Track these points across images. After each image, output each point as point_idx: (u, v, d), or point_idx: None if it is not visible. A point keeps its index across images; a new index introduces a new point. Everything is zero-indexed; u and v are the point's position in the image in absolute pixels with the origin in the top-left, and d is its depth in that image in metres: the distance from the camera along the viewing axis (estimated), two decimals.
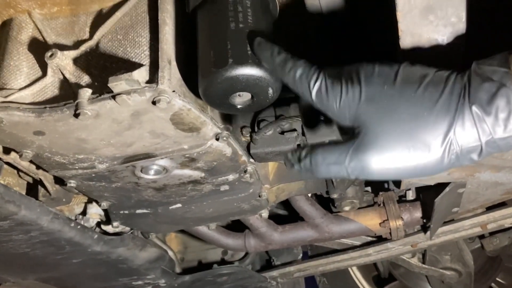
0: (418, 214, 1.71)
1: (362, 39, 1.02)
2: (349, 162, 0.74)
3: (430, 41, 0.79)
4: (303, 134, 1.18)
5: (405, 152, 0.71)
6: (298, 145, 1.18)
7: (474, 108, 0.66)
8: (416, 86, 0.71)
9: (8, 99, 0.91)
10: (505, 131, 0.66)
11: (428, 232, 1.71)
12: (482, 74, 0.68)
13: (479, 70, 0.69)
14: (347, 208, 1.68)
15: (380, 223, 1.72)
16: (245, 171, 1.21)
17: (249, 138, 1.19)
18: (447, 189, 1.35)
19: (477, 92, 0.67)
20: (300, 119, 1.17)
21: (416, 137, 0.70)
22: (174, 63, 0.90)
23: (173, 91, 0.87)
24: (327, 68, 0.78)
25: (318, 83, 0.76)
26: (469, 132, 0.67)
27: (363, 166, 0.73)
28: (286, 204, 1.78)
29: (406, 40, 0.79)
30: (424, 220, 1.69)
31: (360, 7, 0.96)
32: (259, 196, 1.34)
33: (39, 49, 0.97)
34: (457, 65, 0.77)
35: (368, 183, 1.77)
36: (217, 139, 1.03)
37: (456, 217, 1.77)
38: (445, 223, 1.76)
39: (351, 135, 0.75)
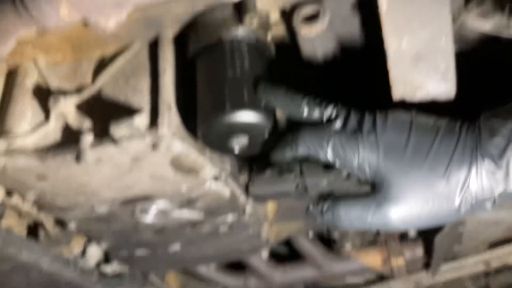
0: (420, 252, 1.70)
1: (360, 83, 1.05)
2: (372, 218, 0.77)
3: (422, 87, 0.81)
4: (301, 173, 1.19)
5: (426, 204, 0.74)
6: (297, 185, 1.19)
7: (486, 162, 0.70)
8: (431, 140, 0.75)
9: (12, 144, 0.93)
10: None
11: (431, 270, 1.69)
12: (491, 128, 0.72)
13: (488, 123, 0.73)
14: (348, 247, 1.68)
15: (381, 261, 1.71)
16: (244, 211, 1.22)
17: (247, 178, 1.21)
18: (447, 227, 1.36)
19: (488, 147, 0.71)
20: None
21: (436, 190, 0.73)
22: (174, 108, 0.93)
23: (173, 135, 0.89)
24: (338, 117, 0.81)
25: (332, 141, 0.79)
26: (483, 184, 0.71)
27: (386, 222, 0.77)
28: (287, 242, 1.77)
29: (398, 87, 0.82)
30: (426, 258, 1.68)
31: (356, 55, 0.99)
32: (259, 236, 1.34)
33: (43, 95, 1.00)
34: (449, 110, 0.79)
35: None
36: (216, 180, 1.05)
37: (458, 255, 1.76)
38: (448, 260, 1.75)
39: (370, 188, 0.79)
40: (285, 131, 1.00)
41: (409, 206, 0.75)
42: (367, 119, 0.78)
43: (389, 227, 0.77)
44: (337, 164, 0.79)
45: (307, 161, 1.04)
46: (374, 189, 0.78)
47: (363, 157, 0.76)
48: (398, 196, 0.75)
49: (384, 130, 0.76)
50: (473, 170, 0.71)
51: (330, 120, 0.82)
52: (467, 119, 0.77)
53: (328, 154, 0.79)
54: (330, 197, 0.83)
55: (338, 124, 0.80)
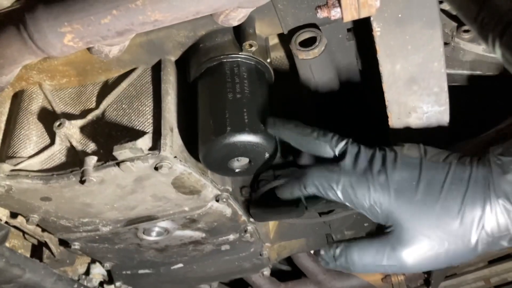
0: None
1: (357, 105, 1.07)
2: (387, 261, 0.75)
3: (416, 109, 0.83)
4: None
5: (441, 246, 0.72)
6: (297, 204, 1.20)
7: (500, 201, 0.69)
8: (442, 178, 0.73)
9: (18, 167, 0.95)
10: None
11: (431, 287, 1.70)
12: (502, 166, 0.71)
13: (498, 160, 0.71)
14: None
15: (382, 278, 1.72)
16: (246, 231, 1.23)
17: (248, 198, 1.22)
18: None
19: (501, 185, 0.69)
20: None
21: (450, 230, 0.71)
22: (176, 130, 0.95)
23: (175, 157, 0.91)
24: (347, 154, 0.79)
25: (342, 183, 0.77)
26: (499, 222, 0.70)
27: (401, 265, 0.74)
28: (289, 259, 1.78)
29: (393, 109, 0.84)
30: (426, 275, 1.69)
31: (352, 78, 1.02)
32: (260, 255, 1.35)
33: (48, 118, 1.02)
34: (443, 131, 0.81)
35: None
36: (217, 201, 1.07)
37: (458, 272, 1.76)
38: (448, 277, 1.75)
39: (384, 230, 0.76)
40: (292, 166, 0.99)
41: (424, 249, 0.72)
42: (377, 157, 0.77)
43: (405, 270, 0.76)
44: (348, 204, 0.78)
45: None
46: (385, 228, 0.76)
47: (374, 199, 0.74)
48: (412, 238, 0.72)
49: (394, 170, 0.75)
50: (487, 208, 0.69)
51: (339, 156, 0.80)
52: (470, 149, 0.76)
53: (338, 195, 0.77)
54: (342, 241, 0.80)
55: (347, 162, 0.78)
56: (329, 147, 0.81)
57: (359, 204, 0.76)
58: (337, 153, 0.80)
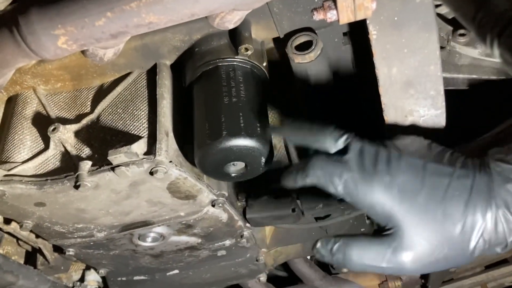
0: (417, 274, 1.70)
1: (354, 111, 1.07)
2: (387, 264, 0.74)
3: (412, 113, 0.83)
4: (298, 198, 1.21)
5: (441, 250, 0.72)
6: (293, 209, 1.20)
7: (501, 211, 0.69)
8: (446, 184, 0.73)
9: (11, 172, 0.94)
10: None
11: None
12: (502, 174, 0.71)
13: (498, 168, 0.71)
14: (345, 270, 1.68)
15: (379, 284, 1.71)
16: (242, 236, 1.22)
17: (244, 203, 1.22)
18: None
19: (501, 194, 0.70)
20: None
21: (451, 236, 0.72)
22: (171, 134, 0.95)
23: (170, 161, 0.90)
24: (351, 149, 0.77)
25: (344, 177, 0.76)
26: (498, 231, 0.70)
27: (400, 268, 0.74)
28: (285, 265, 1.77)
29: (390, 112, 0.84)
30: (423, 280, 1.68)
31: (348, 81, 1.02)
32: (257, 260, 1.35)
33: (43, 123, 1.02)
34: (440, 134, 0.81)
35: None
36: (213, 206, 1.06)
37: (455, 277, 1.76)
38: (445, 282, 1.75)
39: (383, 231, 0.76)
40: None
41: (425, 253, 0.72)
42: (382, 156, 0.76)
43: (402, 273, 0.74)
44: (347, 200, 0.77)
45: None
46: (385, 229, 0.75)
47: (376, 198, 0.73)
48: (413, 242, 0.72)
49: (398, 171, 0.74)
50: (488, 216, 0.69)
51: (342, 150, 0.79)
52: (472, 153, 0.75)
53: (339, 190, 0.76)
54: (341, 236, 0.78)
55: (352, 157, 0.77)
56: (330, 140, 0.79)
57: (359, 200, 0.75)
58: (339, 147, 0.79)
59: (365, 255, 0.75)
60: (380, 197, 0.74)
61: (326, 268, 1.74)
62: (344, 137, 0.79)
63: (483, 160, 0.73)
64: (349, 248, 0.76)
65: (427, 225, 0.72)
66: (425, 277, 1.63)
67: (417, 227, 0.73)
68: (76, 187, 0.90)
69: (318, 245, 0.79)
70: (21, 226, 1.03)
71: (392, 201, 0.73)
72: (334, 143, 0.79)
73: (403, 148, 0.77)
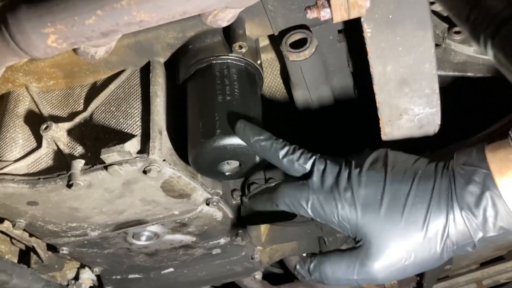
0: None
1: (349, 109, 1.06)
2: (358, 276, 0.77)
3: (407, 111, 0.83)
4: None
5: (408, 257, 0.74)
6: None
7: (463, 212, 0.71)
8: (406, 191, 0.74)
9: (3, 171, 0.93)
10: (494, 230, 0.70)
11: None
12: (464, 175, 0.72)
13: (461, 170, 0.72)
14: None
15: None
16: (237, 234, 1.22)
17: (239, 201, 1.21)
18: None
19: (463, 196, 0.71)
20: None
21: (416, 242, 0.73)
22: (165, 132, 0.94)
23: (164, 160, 0.90)
24: (315, 171, 0.80)
25: (311, 201, 0.79)
26: (462, 232, 0.71)
27: (371, 278, 0.77)
28: (281, 262, 1.77)
29: (384, 111, 0.83)
30: (418, 278, 1.68)
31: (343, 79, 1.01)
32: (252, 258, 1.34)
33: (35, 121, 1.01)
34: (435, 133, 0.80)
35: None
36: (208, 204, 1.05)
37: (450, 274, 1.76)
38: (440, 280, 1.75)
39: (354, 244, 0.79)
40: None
41: (392, 261, 0.74)
42: (343, 173, 0.78)
43: (375, 283, 0.78)
44: (318, 220, 0.80)
45: None
46: (355, 242, 0.78)
47: (342, 215, 0.76)
48: (380, 252, 0.74)
49: (359, 186, 0.76)
50: (451, 219, 0.71)
51: (308, 172, 0.81)
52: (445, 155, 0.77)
53: (309, 213, 0.79)
54: (316, 255, 0.82)
55: (315, 179, 0.80)
56: (297, 165, 0.82)
57: (329, 220, 0.78)
58: (306, 170, 0.81)
59: (337, 270, 0.78)
60: (345, 214, 0.77)
61: None
62: (311, 160, 0.81)
63: (447, 163, 0.74)
64: (323, 265, 0.80)
65: (391, 234, 0.74)
66: (420, 274, 1.63)
67: (382, 237, 0.75)
68: (69, 186, 0.89)
69: (298, 267, 0.83)
70: (14, 225, 1.02)
71: (356, 215, 0.76)
72: (300, 167, 0.81)
73: (366, 162, 0.79)
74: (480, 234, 0.70)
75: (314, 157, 0.81)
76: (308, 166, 0.81)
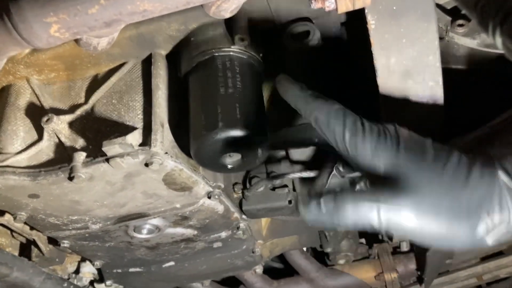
0: (412, 266, 1.71)
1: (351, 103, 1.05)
2: (384, 215, 0.65)
3: (410, 104, 0.82)
4: (294, 190, 1.20)
5: (448, 221, 0.64)
6: (289, 201, 1.19)
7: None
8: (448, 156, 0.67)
9: (4, 163, 0.93)
10: None
11: (424, 284, 1.70)
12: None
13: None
14: (341, 261, 1.68)
15: (375, 276, 1.72)
16: (238, 228, 1.22)
17: (241, 194, 1.21)
18: None
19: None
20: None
21: (458, 196, 0.64)
22: (166, 125, 0.93)
23: (166, 153, 0.89)
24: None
25: (353, 124, 0.70)
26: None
27: (400, 220, 0.65)
28: (281, 256, 1.77)
29: (387, 103, 0.83)
30: (419, 272, 1.68)
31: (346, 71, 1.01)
32: (253, 252, 1.34)
33: (36, 113, 1.00)
34: (437, 126, 0.80)
35: (362, 234, 1.78)
36: (209, 197, 1.05)
37: (451, 268, 1.76)
38: (441, 274, 1.75)
39: (383, 182, 0.67)
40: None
41: (429, 214, 0.64)
42: (384, 132, 0.69)
43: (400, 228, 0.65)
44: (350, 150, 0.69)
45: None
46: (387, 183, 0.66)
47: (380, 148, 0.67)
48: (421, 198, 0.64)
49: (399, 146, 0.67)
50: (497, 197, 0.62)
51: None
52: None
53: (346, 137, 0.69)
54: (332, 193, 0.69)
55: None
56: (335, 118, 0.72)
57: (362, 151, 0.69)
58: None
59: (361, 207, 0.67)
60: (385, 147, 0.68)
61: (322, 259, 1.74)
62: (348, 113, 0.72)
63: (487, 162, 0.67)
64: (344, 201, 0.68)
65: (435, 185, 0.65)
66: (421, 268, 1.64)
67: (424, 182, 0.65)
68: (70, 178, 0.89)
69: (311, 203, 0.70)
70: (15, 218, 1.02)
71: (397, 153, 0.67)
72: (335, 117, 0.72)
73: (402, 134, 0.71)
74: None
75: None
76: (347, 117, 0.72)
